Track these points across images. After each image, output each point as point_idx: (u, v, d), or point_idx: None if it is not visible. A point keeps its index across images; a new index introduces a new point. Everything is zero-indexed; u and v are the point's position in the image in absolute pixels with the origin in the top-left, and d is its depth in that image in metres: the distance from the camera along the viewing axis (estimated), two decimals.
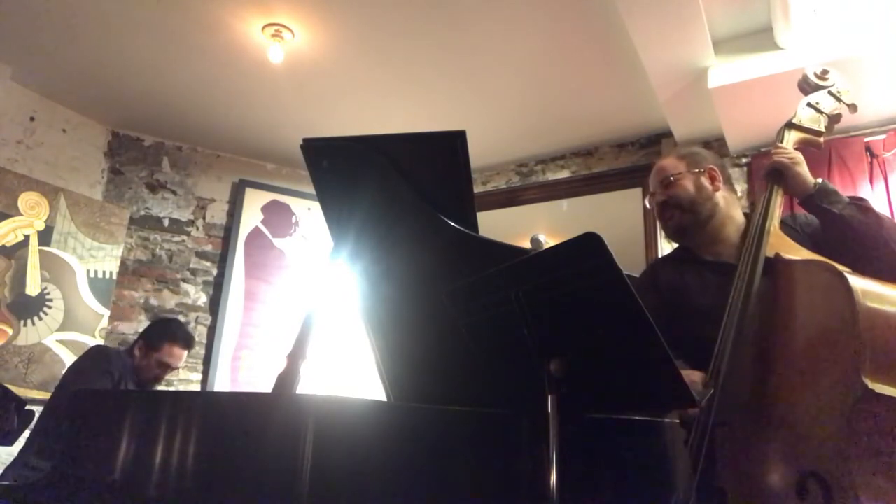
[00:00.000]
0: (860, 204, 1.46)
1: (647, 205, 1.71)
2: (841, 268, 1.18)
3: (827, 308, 1.19)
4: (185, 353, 2.73)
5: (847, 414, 1.07)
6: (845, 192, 1.51)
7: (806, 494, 1.10)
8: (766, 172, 1.54)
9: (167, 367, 2.65)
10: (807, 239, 1.49)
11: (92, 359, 2.52)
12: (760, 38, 2.82)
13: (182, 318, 3.95)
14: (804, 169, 1.50)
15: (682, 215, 1.60)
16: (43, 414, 2.29)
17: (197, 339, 3.96)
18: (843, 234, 1.42)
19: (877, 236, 1.39)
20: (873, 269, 1.26)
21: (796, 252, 1.36)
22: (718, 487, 1.25)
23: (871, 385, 1.06)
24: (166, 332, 2.71)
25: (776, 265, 1.33)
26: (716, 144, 3.44)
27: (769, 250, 1.37)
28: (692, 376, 1.30)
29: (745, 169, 3.35)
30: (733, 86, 2.83)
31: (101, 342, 3.55)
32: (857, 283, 1.13)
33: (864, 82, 2.71)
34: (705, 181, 1.61)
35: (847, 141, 3.02)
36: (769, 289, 1.31)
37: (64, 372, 2.53)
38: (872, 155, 2.97)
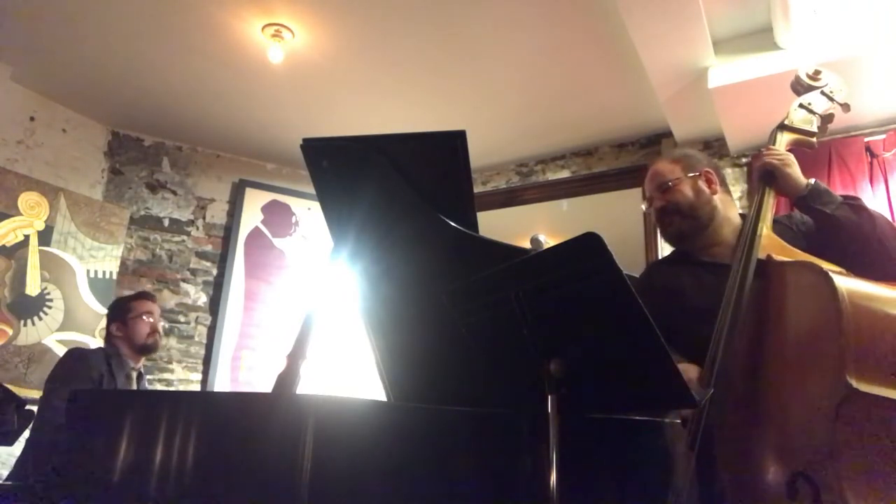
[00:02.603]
0: (853, 203, 1.45)
1: (644, 209, 1.70)
2: (828, 267, 1.18)
3: (813, 308, 1.19)
4: (155, 304, 2.76)
5: (834, 414, 1.07)
6: (845, 193, 1.50)
7: (796, 494, 1.10)
8: (758, 174, 1.53)
9: (150, 317, 2.67)
10: (802, 237, 1.49)
11: (68, 367, 2.47)
12: (760, 38, 2.82)
13: (182, 318, 3.97)
14: (795, 170, 1.49)
15: (683, 221, 1.59)
16: (35, 427, 2.24)
17: (197, 339, 3.97)
18: (837, 234, 1.42)
19: (870, 236, 1.39)
20: (867, 269, 1.26)
21: (788, 253, 1.36)
22: (718, 487, 1.26)
23: (857, 385, 1.06)
24: (123, 299, 2.77)
25: (767, 267, 1.33)
26: (716, 144, 3.44)
27: (761, 252, 1.37)
28: (689, 372, 1.29)
29: (745, 169, 3.35)
30: (733, 86, 2.82)
31: (100, 342, 3.54)
32: (843, 283, 1.13)
33: (863, 82, 2.71)
34: (703, 185, 1.60)
35: (847, 141, 3.02)
36: (761, 290, 1.31)
37: (45, 381, 2.45)
38: (872, 155, 2.97)
